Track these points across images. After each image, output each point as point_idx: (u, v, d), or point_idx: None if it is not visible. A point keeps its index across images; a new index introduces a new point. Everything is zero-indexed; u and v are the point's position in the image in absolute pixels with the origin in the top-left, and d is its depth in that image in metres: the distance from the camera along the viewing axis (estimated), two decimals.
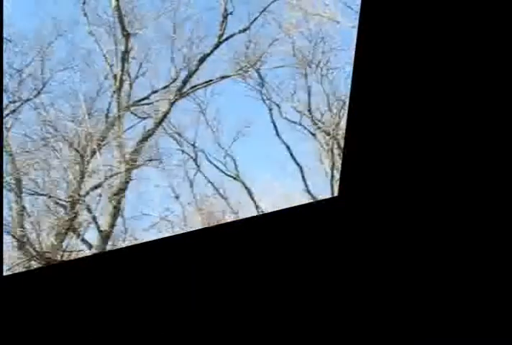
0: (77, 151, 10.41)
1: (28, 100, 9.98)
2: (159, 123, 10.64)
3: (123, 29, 10.34)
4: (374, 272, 2.09)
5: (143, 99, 10.55)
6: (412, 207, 2.11)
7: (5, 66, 9.76)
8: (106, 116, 10.50)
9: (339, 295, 2.12)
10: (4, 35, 9.97)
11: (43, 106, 10.34)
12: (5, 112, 9.90)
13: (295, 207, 2.15)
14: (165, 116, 10.60)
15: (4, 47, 9.93)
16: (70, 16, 10.15)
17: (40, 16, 9.98)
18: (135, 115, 10.53)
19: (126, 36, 10.35)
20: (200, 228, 2.18)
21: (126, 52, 10.39)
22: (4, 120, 9.95)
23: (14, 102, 10.10)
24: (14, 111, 10.14)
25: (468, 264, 2.02)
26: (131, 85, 10.48)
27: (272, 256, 2.18)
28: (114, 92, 10.44)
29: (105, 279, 2.20)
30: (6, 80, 10.04)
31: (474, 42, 2.04)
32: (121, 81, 10.41)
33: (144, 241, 2.38)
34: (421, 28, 2.06)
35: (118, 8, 10.31)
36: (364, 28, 2.09)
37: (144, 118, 10.55)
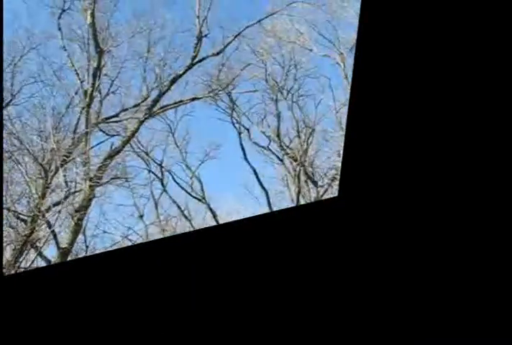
0: (41, 165, 10.24)
1: None
2: (127, 142, 10.57)
3: (96, 45, 10.31)
4: (374, 271, 2.09)
5: (112, 117, 10.48)
6: (412, 207, 2.12)
7: None
8: (74, 132, 10.39)
9: (339, 295, 2.11)
10: None
11: (10, 119, 10.18)
12: None
13: (295, 207, 2.16)
14: (133, 134, 10.53)
15: None
16: (44, 30, 10.09)
17: (15, 29, 9.88)
18: (103, 132, 10.44)
19: (100, 52, 10.32)
20: (199, 228, 2.15)
21: (99, 68, 10.34)
22: None
23: None
24: None
25: (468, 264, 2.03)
26: (101, 102, 10.42)
27: (272, 256, 2.17)
28: (83, 108, 10.35)
29: (105, 279, 2.15)
30: None
31: (474, 43, 2.07)
32: (92, 97, 10.33)
33: (144, 241, 2.34)
34: (420, 28, 2.09)
35: (93, 24, 10.29)
36: (365, 28, 2.11)
37: (112, 135, 10.47)
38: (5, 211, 9.85)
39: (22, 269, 9.65)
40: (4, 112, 10.11)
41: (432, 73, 2.12)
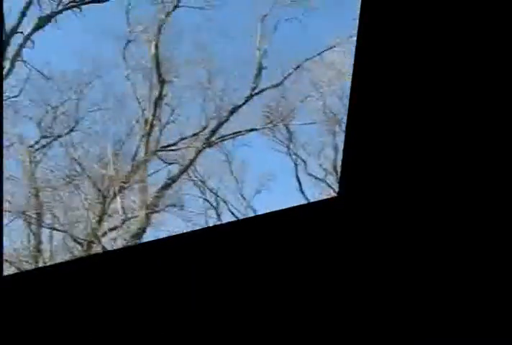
0: (99, 191, 10.48)
1: (59, 136, 10.15)
2: (184, 170, 10.71)
3: (159, 75, 10.58)
4: (374, 271, 2.03)
5: (171, 145, 10.67)
6: (413, 206, 2.06)
7: (41, 102, 10.01)
8: (133, 159, 10.61)
9: (339, 295, 2.05)
10: (45, 73, 10.27)
11: (73, 145, 10.50)
12: (36, 146, 10.08)
13: (295, 207, 2.12)
14: (190, 163, 10.68)
15: (44, 84, 10.23)
16: (109, 59, 10.43)
17: (82, 57, 10.27)
18: (161, 160, 10.62)
19: (161, 82, 10.58)
20: (199, 228, 2.14)
21: (160, 98, 10.59)
22: (34, 154, 10.12)
23: (46, 137, 10.27)
24: (44, 146, 10.31)
25: (468, 265, 1.95)
26: (160, 130, 10.63)
27: (272, 256, 2.13)
28: (143, 136, 10.58)
29: (105, 279, 2.16)
30: (41, 115, 10.24)
31: (474, 44, 2.04)
32: (152, 126, 10.57)
33: (143, 241, 2.34)
34: (421, 29, 2.07)
35: (156, 55, 10.58)
36: (365, 29, 2.10)
37: (170, 163, 10.64)
38: (61, 234, 10.09)
39: None
40: (67, 138, 10.42)
41: (433, 72, 2.09)
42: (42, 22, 10.40)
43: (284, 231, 2.17)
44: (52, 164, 10.20)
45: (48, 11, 10.38)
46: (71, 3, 10.44)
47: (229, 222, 2.14)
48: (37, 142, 10.18)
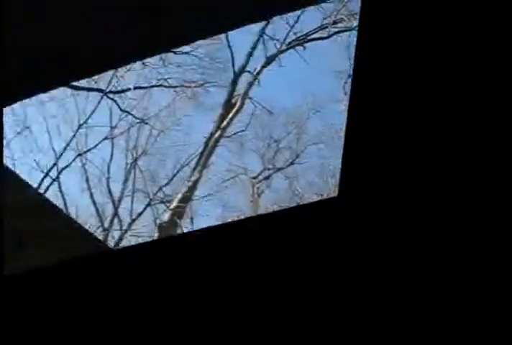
0: None
1: (280, 169, 10.65)
2: None
3: None
4: (374, 272, 1.99)
5: None
6: (413, 206, 1.98)
7: (264, 136, 10.61)
8: None
9: (339, 296, 2.04)
10: (268, 108, 10.86)
11: (295, 177, 10.94)
12: (259, 178, 10.66)
13: (294, 207, 2.16)
14: None
15: (268, 119, 10.85)
16: (329, 94, 10.77)
17: (303, 93, 10.75)
18: None
19: None
20: (199, 228, 2.26)
21: None
22: (257, 185, 10.71)
23: (268, 169, 10.85)
24: (267, 177, 10.88)
25: (470, 264, 1.84)
26: None
27: (271, 256, 2.17)
28: None
29: (106, 279, 2.27)
30: (264, 148, 10.82)
31: (474, 44, 1.94)
32: None
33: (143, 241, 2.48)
34: (421, 28, 2.04)
35: None
36: (365, 29, 2.09)
37: None
38: None
39: None
40: (289, 170, 10.89)
41: (433, 73, 2.05)
42: (268, 61, 11.08)
43: (284, 231, 2.19)
44: (275, 197, 10.69)
45: (273, 51, 11.05)
46: (295, 42, 11.01)
47: (229, 222, 2.21)
48: (259, 174, 10.78)
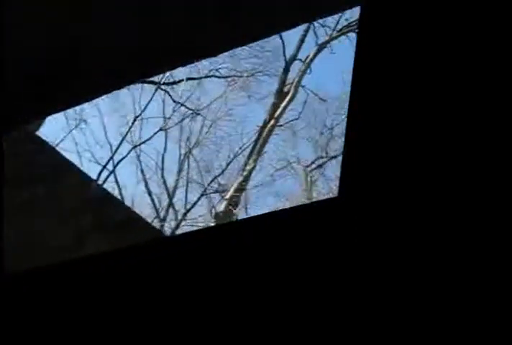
0: None
1: (334, 157, 10.62)
2: None
3: None
4: (375, 272, 2.00)
5: None
6: (413, 207, 1.98)
7: (317, 123, 10.58)
8: None
9: (338, 296, 2.06)
10: (320, 96, 10.85)
11: None
12: (312, 166, 10.67)
13: (294, 207, 2.19)
14: None
15: (320, 107, 10.81)
16: None
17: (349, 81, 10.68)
18: None
19: None
20: (199, 228, 2.29)
21: None
22: (310, 174, 10.72)
23: (322, 158, 10.82)
24: (320, 165, 10.85)
25: (470, 265, 1.83)
26: None
27: (271, 256, 2.19)
28: None
29: (106, 279, 2.29)
30: (317, 136, 10.81)
31: (474, 44, 1.93)
32: None
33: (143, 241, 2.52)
34: (421, 30, 2.02)
35: None
36: (365, 29, 2.09)
37: None
38: None
39: None
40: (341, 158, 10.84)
41: (434, 73, 2.04)
42: (319, 49, 11.02)
43: (283, 231, 2.21)
44: (328, 185, 10.68)
45: (324, 38, 10.98)
46: (346, 28, 10.92)
47: (228, 222, 2.24)
48: (312, 162, 10.76)
